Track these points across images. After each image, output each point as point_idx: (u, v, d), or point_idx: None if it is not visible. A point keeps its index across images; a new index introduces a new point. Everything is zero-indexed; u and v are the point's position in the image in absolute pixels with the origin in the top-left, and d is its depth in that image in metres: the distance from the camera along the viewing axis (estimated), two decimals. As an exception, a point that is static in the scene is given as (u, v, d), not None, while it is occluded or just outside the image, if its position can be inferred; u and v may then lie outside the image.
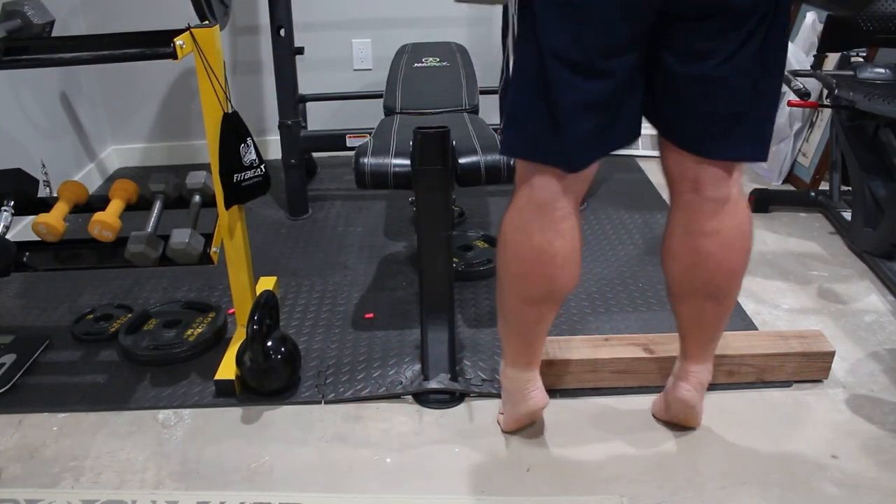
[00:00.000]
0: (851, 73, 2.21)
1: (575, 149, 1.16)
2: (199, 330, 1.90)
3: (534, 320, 1.35)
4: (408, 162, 1.62)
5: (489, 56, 2.91)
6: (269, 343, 1.64)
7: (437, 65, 2.45)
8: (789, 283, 2.13)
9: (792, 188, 2.79)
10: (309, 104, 2.92)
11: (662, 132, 1.22)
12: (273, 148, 3.06)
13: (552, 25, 1.06)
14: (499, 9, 1.20)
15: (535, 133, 1.15)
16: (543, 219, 1.22)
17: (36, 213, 1.70)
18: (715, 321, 1.37)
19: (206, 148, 1.63)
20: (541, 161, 1.19)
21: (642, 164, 3.03)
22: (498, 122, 2.43)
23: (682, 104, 1.14)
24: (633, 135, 1.21)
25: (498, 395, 1.66)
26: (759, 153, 1.17)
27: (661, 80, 1.13)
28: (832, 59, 2.52)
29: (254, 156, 1.65)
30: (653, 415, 1.59)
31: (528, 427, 1.56)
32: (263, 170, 1.68)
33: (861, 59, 2.34)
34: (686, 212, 1.25)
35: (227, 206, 1.67)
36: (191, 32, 1.50)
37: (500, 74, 1.19)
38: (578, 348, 1.67)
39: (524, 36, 1.10)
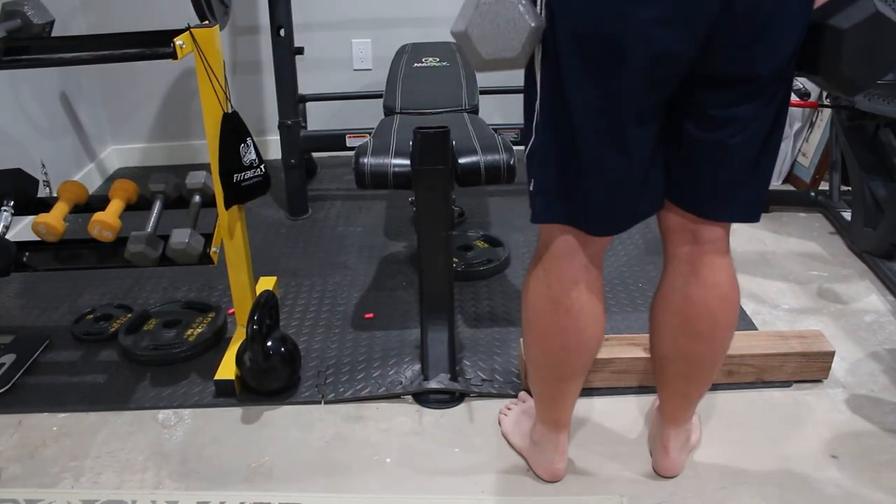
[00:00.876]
0: (851, 73, 2.21)
1: (602, 220, 1.17)
2: (199, 330, 1.90)
3: (556, 377, 1.33)
4: (408, 162, 1.62)
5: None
6: (269, 343, 1.64)
7: (437, 65, 2.45)
8: (789, 283, 2.13)
9: (792, 188, 2.79)
10: (309, 104, 2.92)
11: (665, 193, 1.22)
12: (273, 148, 3.06)
13: (579, 91, 1.05)
14: None
15: (566, 203, 1.15)
16: (562, 270, 1.22)
17: (36, 213, 1.70)
18: (705, 377, 1.35)
19: (206, 148, 1.63)
20: (571, 225, 1.19)
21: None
22: (498, 122, 2.45)
23: (692, 169, 1.14)
24: (659, 204, 1.21)
25: (498, 395, 1.66)
26: (756, 215, 1.19)
27: (679, 148, 1.13)
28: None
29: (254, 156, 1.65)
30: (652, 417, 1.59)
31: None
32: (263, 170, 1.68)
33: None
34: (685, 265, 1.25)
35: (227, 206, 1.67)
36: (191, 32, 1.49)
37: (526, 135, 1.18)
38: (578, 348, 1.67)
39: (553, 104, 1.09)
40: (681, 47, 0.99)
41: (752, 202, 1.17)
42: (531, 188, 1.19)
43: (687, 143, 1.11)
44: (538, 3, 1.04)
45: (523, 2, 1.01)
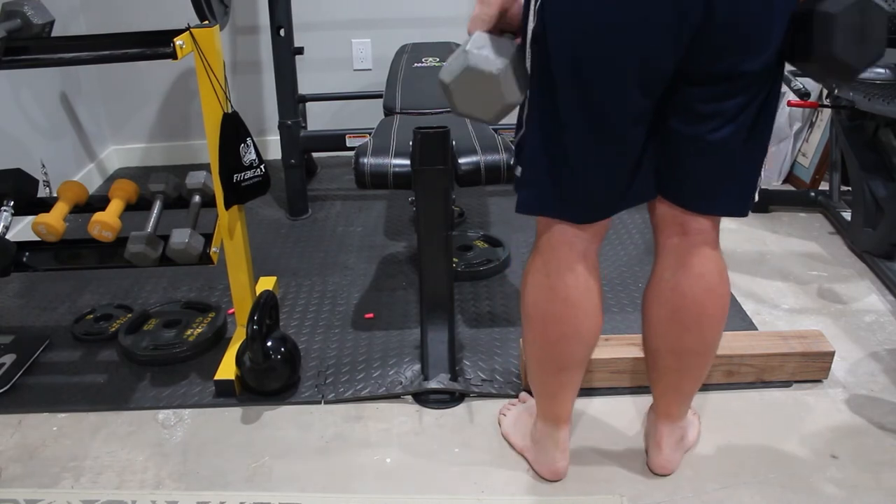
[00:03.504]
0: (851, 73, 2.21)
1: (590, 209, 1.18)
2: (199, 330, 1.90)
3: (555, 368, 1.33)
4: (408, 162, 1.62)
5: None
6: (269, 343, 1.64)
7: (437, 65, 2.45)
8: (789, 283, 2.13)
9: (792, 188, 2.79)
10: (309, 104, 2.92)
11: (657, 187, 1.23)
12: (273, 148, 3.06)
13: (570, 97, 1.07)
14: None
15: (551, 194, 1.17)
16: (559, 259, 1.23)
17: (36, 213, 1.70)
18: (696, 371, 1.35)
19: (206, 148, 1.63)
20: (554, 216, 1.20)
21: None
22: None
23: (679, 162, 1.15)
24: (648, 195, 1.22)
25: (498, 395, 1.66)
26: (744, 210, 1.20)
27: (663, 139, 1.14)
28: (832, 59, 2.52)
29: (254, 156, 1.65)
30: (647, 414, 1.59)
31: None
32: (263, 170, 1.68)
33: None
34: (673, 256, 1.27)
35: (227, 206, 1.67)
36: (191, 32, 1.50)
37: (517, 126, 1.20)
38: (578, 348, 1.67)
39: (542, 101, 1.11)
40: (668, 53, 1.01)
41: (739, 196, 1.18)
42: (517, 178, 1.21)
43: (673, 138, 1.13)
44: (531, 10, 1.05)
45: (509, 77, 1.05)
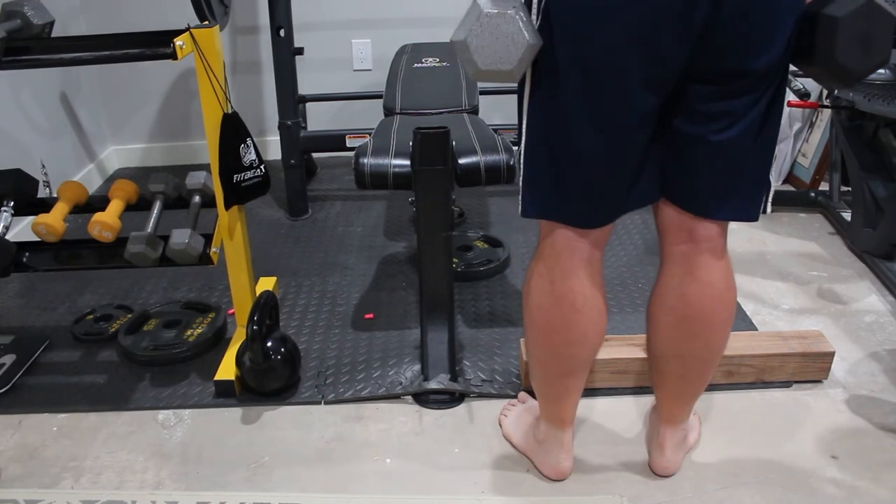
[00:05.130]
0: (851, 73, 2.21)
1: (593, 212, 1.17)
2: (199, 330, 1.90)
3: (560, 373, 1.33)
4: (408, 162, 1.62)
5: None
6: (269, 343, 1.64)
7: (437, 65, 2.45)
8: (789, 284, 2.13)
9: (792, 188, 2.79)
10: (309, 104, 2.92)
11: (661, 189, 1.22)
12: (273, 148, 3.06)
13: (575, 93, 1.06)
14: None
15: (554, 197, 1.16)
16: (563, 265, 1.22)
17: (36, 213, 1.70)
18: (701, 376, 1.35)
19: (206, 148, 1.63)
20: (557, 219, 1.19)
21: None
22: (498, 122, 2.45)
23: (686, 164, 1.13)
24: (652, 197, 1.21)
25: (498, 396, 1.66)
26: (754, 214, 1.18)
27: (668, 140, 1.13)
28: (832, 59, 2.52)
29: (254, 156, 1.65)
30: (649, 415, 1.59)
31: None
32: (263, 170, 1.68)
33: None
34: (681, 264, 1.25)
35: (227, 206, 1.67)
36: (190, 33, 1.50)
37: (518, 131, 1.19)
38: (578, 348, 1.67)
39: (544, 101, 1.10)
40: (676, 51, 1.00)
41: (748, 200, 1.17)
42: (520, 182, 1.20)
43: (679, 139, 1.12)
44: (534, 9, 1.04)
45: (524, 18, 1.03)
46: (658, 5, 0.96)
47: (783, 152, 2.77)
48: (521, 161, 1.18)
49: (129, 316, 1.99)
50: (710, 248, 1.22)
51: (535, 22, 1.05)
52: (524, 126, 1.16)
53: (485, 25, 1.03)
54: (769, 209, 1.22)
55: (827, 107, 2.42)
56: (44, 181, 2.53)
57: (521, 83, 1.14)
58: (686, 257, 1.24)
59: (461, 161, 1.62)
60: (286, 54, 2.49)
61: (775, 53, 1.02)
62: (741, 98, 1.06)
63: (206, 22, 2.05)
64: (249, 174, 1.65)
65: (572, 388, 1.35)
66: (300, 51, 2.60)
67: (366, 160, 1.64)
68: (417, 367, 1.75)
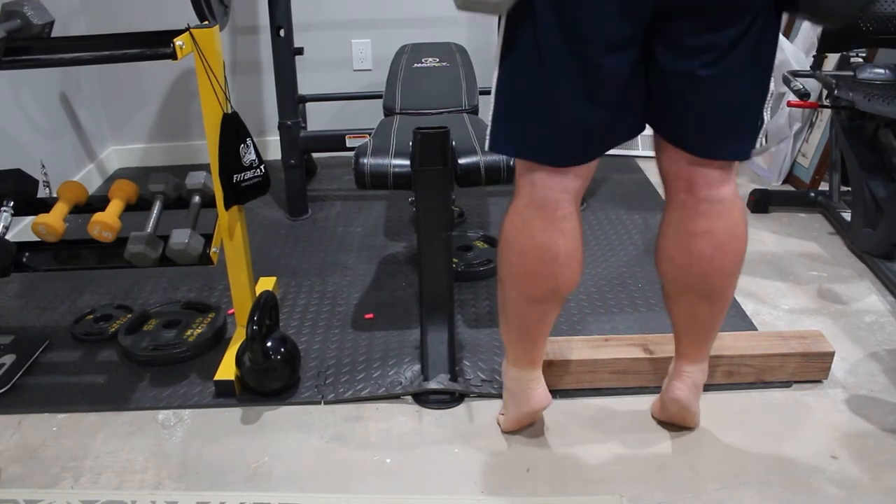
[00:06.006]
0: (851, 73, 2.21)
1: (570, 148, 1.16)
2: (199, 330, 1.90)
3: (536, 319, 1.36)
4: (408, 162, 1.62)
5: (489, 56, 2.90)
6: (269, 343, 1.64)
7: (436, 65, 2.45)
8: (789, 284, 2.13)
9: (792, 188, 2.79)
10: (309, 104, 2.92)
11: (658, 130, 1.23)
12: (273, 148, 3.06)
13: (550, 19, 1.05)
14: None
15: (526, 128, 1.15)
16: (545, 219, 1.22)
17: (36, 213, 1.70)
18: (709, 321, 1.38)
19: (206, 148, 1.63)
20: (530, 157, 1.18)
21: (642, 164, 3.03)
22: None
23: (677, 102, 1.13)
24: (632, 132, 1.20)
25: (498, 396, 1.66)
26: (746, 151, 1.18)
27: (657, 78, 1.13)
28: (832, 59, 2.52)
29: (253, 156, 1.65)
30: (652, 416, 1.59)
31: (528, 427, 1.56)
32: (263, 170, 1.68)
33: (861, 60, 2.34)
34: (679, 212, 1.26)
35: (227, 206, 1.67)
36: (190, 33, 1.50)
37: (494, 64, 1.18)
38: (578, 349, 1.67)
39: (521, 32, 1.10)
40: None
41: (742, 138, 1.16)
42: (491, 116, 1.19)
43: (670, 78, 1.11)
44: None
45: None
46: None
47: (783, 152, 2.77)
48: (494, 96, 1.17)
49: (129, 316, 1.99)
50: (709, 196, 1.22)
51: None
52: (500, 56, 1.14)
53: None
54: (765, 144, 1.22)
55: (827, 107, 2.42)
56: (44, 181, 2.54)
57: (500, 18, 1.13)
58: (685, 206, 1.25)
59: (461, 161, 1.62)
60: (286, 54, 2.49)
61: None
62: (726, 30, 1.05)
63: (206, 22, 2.05)
64: (249, 174, 1.65)
65: (545, 329, 1.38)
66: (300, 51, 2.60)
67: (366, 160, 1.64)
68: (417, 367, 1.75)
